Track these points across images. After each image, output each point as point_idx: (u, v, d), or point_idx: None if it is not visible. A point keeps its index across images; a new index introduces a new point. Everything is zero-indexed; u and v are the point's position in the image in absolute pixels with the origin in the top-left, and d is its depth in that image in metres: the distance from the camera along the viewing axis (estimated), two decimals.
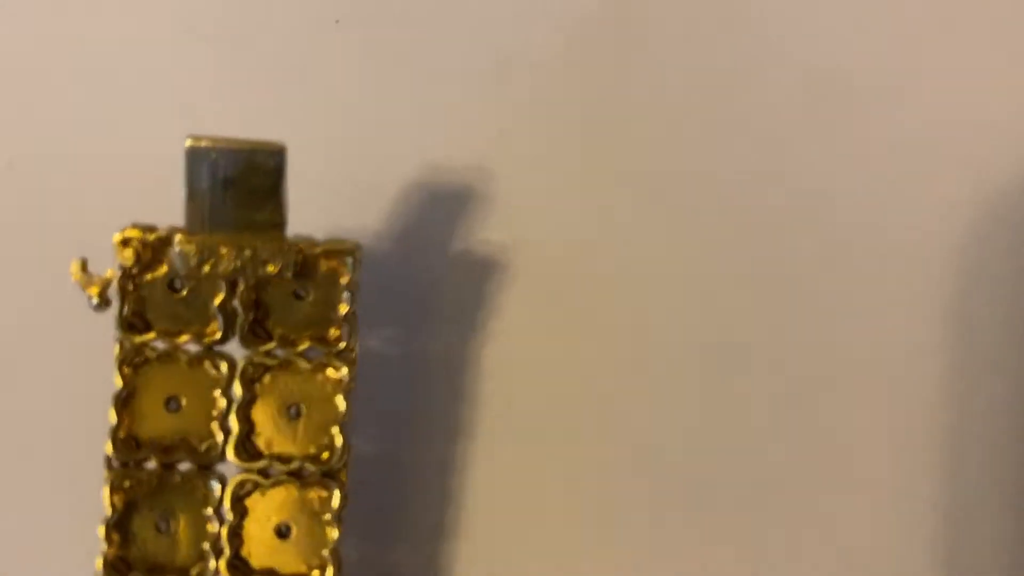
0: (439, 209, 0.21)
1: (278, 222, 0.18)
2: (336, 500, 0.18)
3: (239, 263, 0.18)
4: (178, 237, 0.18)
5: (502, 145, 0.21)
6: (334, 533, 0.18)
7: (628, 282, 0.21)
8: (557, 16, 0.22)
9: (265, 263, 0.18)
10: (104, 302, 0.18)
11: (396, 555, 0.21)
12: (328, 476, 0.18)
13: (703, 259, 0.21)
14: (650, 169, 0.22)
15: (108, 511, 0.18)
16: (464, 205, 0.21)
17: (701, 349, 0.21)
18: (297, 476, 0.18)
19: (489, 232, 0.21)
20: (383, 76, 0.22)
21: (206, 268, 0.18)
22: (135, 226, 0.18)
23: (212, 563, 0.18)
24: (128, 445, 0.18)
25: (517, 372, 0.21)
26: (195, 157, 0.17)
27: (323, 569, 0.18)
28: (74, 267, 0.18)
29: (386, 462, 0.21)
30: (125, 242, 0.18)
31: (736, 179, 0.22)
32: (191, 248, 0.18)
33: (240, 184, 0.17)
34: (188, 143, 0.17)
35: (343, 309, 0.18)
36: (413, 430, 0.21)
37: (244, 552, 0.18)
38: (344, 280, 0.18)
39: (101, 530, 0.18)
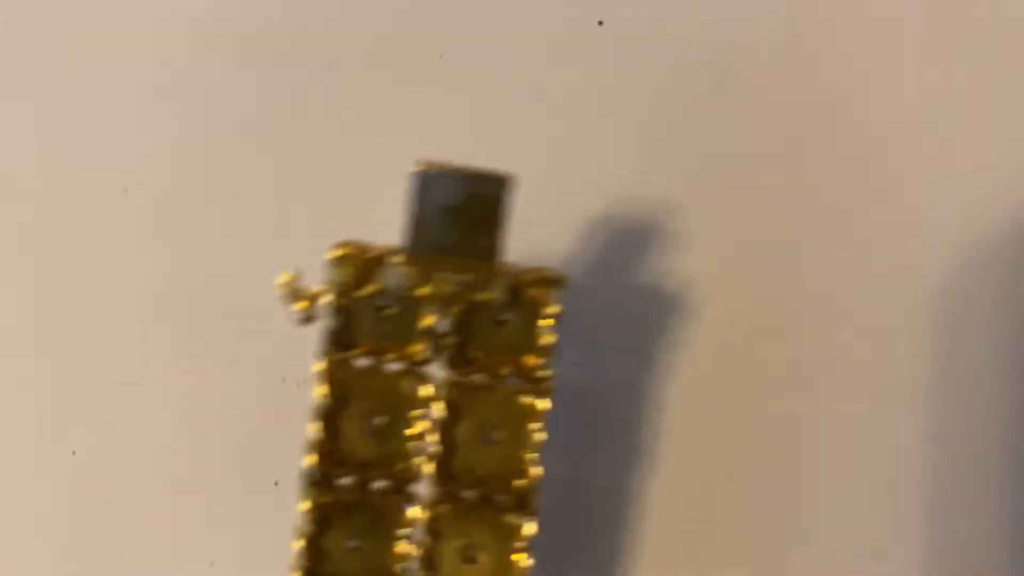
0: (628, 241, 0.22)
1: (495, 250, 0.18)
2: (530, 528, 0.18)
3: (455, 287, 0.18)
4: (397, 258, 0.18)
5: (693, 181, 0.22)
6: (526, 561, 0.18)
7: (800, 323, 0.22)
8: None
9: (480, 289, 0.18)
10: (309, 317, 0.18)
11: None
12: (521, 504, 0.18)
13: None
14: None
15: (306, 527, 0.18)
16: (652, 239, 0.22)
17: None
18: (490, 502, 0.19)
19: (677, 266, 0.22)
20: (586, 110, 0.22)
21: (423, 290, 0.18)
22: (351, 243, 0.18)
23: None
24: (328, 460, 0.18)
25: (697, 406, 0.21)
26: (422, 181, 0.17)
27: None
28: (284, 279, 0.18)
29: (565, 486, 0.21)
30: (342, 259, 0.18)
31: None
32: (410, 269, 0.18)
33: (464, 210, 0.18)
34: (416, 168, 0.18)
35: (546, 339, 0.18)
36: (591, 455, 0.21)
37: None
38: (550, 309, 0.19)
39: (297, 544, 0.18)
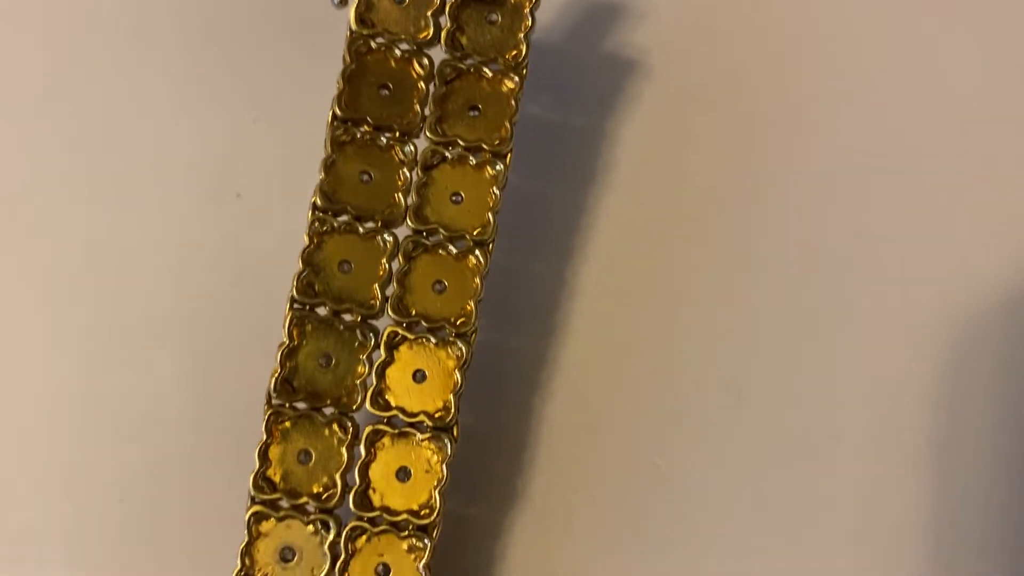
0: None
1: None
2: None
3: None
4: None
5: None
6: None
7: None
8: None
9: None
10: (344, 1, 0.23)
11: None
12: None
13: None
14: None
15: (286, 340, 0.22)
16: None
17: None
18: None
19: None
20: None
21: None
22: None
23: (359, 397, 0.22)
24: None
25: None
26: None
27: (447, 410, 0.22)
28: None
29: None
30: None
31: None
32: None
33: None
34: None
35: (525, 28, 0.23)
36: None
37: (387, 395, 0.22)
38: (527, 9, 0.24)
39: (278, 355, 0.22)
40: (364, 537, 0.22)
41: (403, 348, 0.23)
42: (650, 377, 0.26)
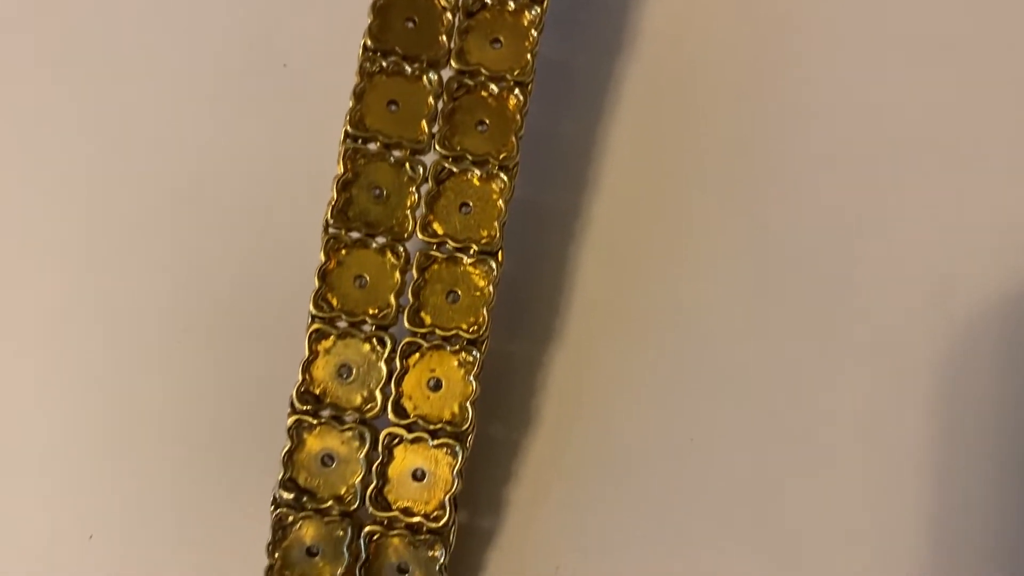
0: None
1: None
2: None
3: None
4: None
5: None
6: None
7: None
8: None
9: None
10: None
11: None
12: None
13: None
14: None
15: (341, 170, 0.24)
16: None
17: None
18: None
19: None
20: None
21: None
22: None
23: (410, 226, 0.24)
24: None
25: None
26: None
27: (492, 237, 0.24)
28: None
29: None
30: None
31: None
32: None
33: None
34: None
35: None
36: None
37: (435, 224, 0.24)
38: None
39: (334, 186, 0.24)
40: (417, 353, 0.24)
41: (450, 182, 0.24)
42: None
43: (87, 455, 0.25)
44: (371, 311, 0.24)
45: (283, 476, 0.23)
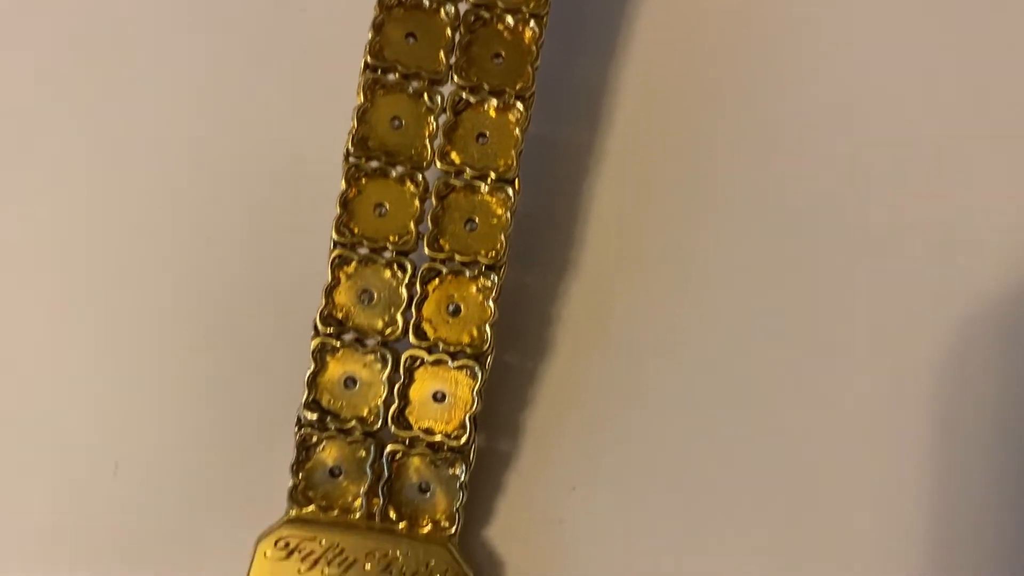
0: None
1: None
2: None
3: None
4: None
5: None
6: None
7: None
8: None
9: None
10: None
11: None
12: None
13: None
14: None
15: (360, 100, 0.24)
16: None
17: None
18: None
19: None
20: None
21: None
22: None
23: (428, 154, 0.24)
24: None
25: None
26: None
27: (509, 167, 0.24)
28: None
29: None
30: None
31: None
32: None
33: None
34: None
35: None
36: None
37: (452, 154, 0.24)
38: None
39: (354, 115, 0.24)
40: (437, 279, 0.24)
41: (467, 113, 0.25)
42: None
43: (114, 381, 0.26)
44: (392, 238, 0.24)
45: (307, 398, 0.24)
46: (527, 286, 0.27)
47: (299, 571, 0.23)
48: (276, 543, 0.23)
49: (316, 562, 0.23)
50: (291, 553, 0.23)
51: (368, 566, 0.23)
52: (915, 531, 0.25)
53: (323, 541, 0.23)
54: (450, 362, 0.24)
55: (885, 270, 0.27)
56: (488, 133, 0.25)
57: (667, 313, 0.27)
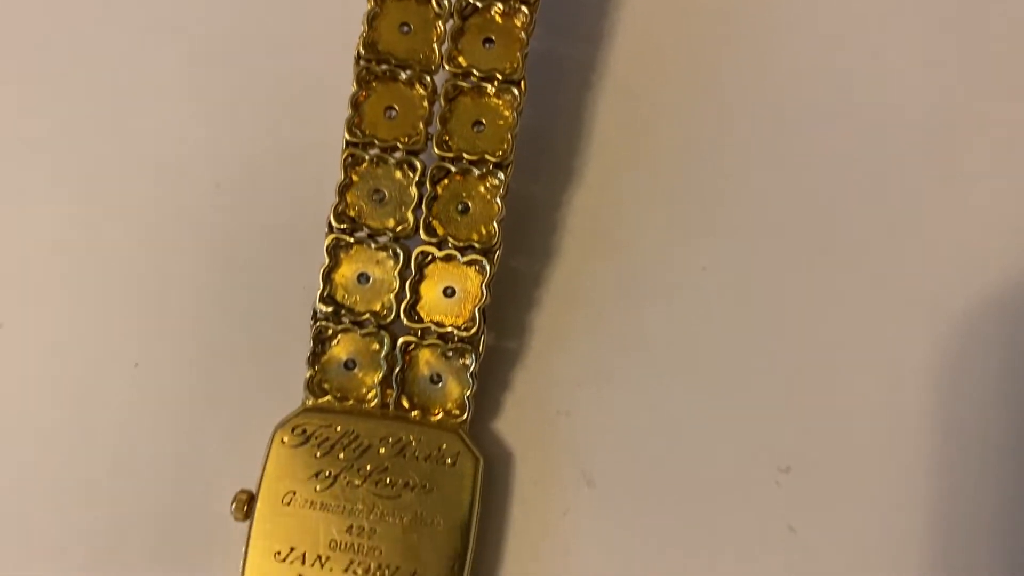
0: None
1: None
2: None
3: None
4: None
5: None
6: None
7: None
8: None
9: None
10: None
11: None
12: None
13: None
14: None
15: (370, 5, 0.25)
16: None
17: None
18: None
19: None
20: None
21: None
22: None
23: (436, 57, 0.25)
24: None
25: None
26: None
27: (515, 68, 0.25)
28: None
29: None
30: None
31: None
32: None
33: None
34: None
35: None
36: None
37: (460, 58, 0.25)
38: None
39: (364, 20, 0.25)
40: (446, 179, 0.25)
41: (473, 19, 0.25)
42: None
43: (133, 280, 0.27)
44: (402, 139, 0.25)
45: (321, 292, 0.25)
46: (534, 195, 0.28)
47: (315, 456, 0.24)
48: (293, 430, 0.24)
49: (332, 447, 0.24)
50: (307, 439, 0.24)
51: (383, 450, 0.24)
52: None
53: (338, 428, 0.24)
54: (460, 257, 0.25)
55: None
56: (494, 37, 0.25)
57: (668, 219, 0.28)
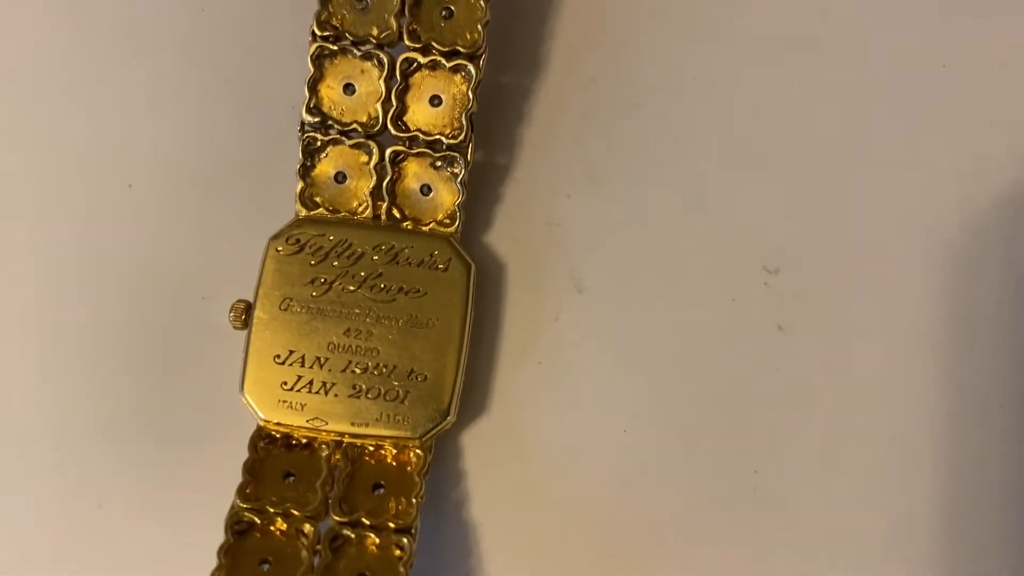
0: None
1: None
2: None
3: None
4: None
5: None
6: None
7: None
8: None
9: None
10: None
11: None
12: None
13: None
14: None
15: None
16: None
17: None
18: None
19: None
20: None
21: None
22: None
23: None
24: None
25: None
26: None
27: None
28: None
29: None
30: None
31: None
32: None
33: None
34: None
35: None
36: None
37: None
38: None
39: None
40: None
41: None
42: None
43: (126, 97, 0.27)
44: None
45: (307, 102, 0.25)
46: (518, 4, 0.28)
47: (310, 264, 0.24)
48: (287, 240, 0.24)
49: (326, 255, 0.24)
50: (301, 248, 0.24)
51: (376, 257, 0.24)
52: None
53: (331, 237, 0.24)
54: (445, 63, 0.25)
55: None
56: None
57: (661, 29, 0.27)
